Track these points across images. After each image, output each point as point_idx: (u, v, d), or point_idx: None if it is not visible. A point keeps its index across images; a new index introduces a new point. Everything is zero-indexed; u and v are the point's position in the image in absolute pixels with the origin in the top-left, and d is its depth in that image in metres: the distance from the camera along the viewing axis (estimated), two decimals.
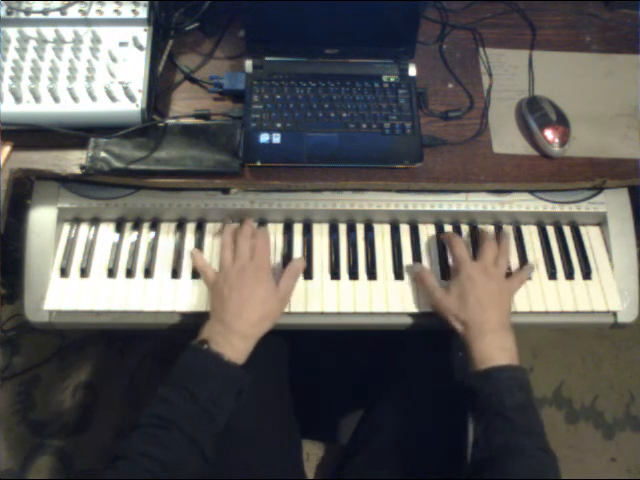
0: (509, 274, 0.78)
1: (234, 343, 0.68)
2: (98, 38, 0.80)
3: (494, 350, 0.69)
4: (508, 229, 0.84)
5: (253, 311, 0.70)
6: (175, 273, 0.79)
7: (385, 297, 0.78)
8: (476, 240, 0.83)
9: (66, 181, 0.79)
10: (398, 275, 0.80)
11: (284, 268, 0.77)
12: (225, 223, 0.81)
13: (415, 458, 0.80)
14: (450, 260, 0.79)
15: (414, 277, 0.79)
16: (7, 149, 0.76)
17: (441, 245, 0.82)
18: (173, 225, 0.82)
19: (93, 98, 0.76)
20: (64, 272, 0.78)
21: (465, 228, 0.84)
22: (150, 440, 0.61)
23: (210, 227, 0.82)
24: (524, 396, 0.66)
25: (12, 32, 0.79)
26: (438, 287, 0.75)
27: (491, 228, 0.84)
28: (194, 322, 0.77)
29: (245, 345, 0.69)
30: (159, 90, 0.83)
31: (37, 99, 0.75)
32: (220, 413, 0.64)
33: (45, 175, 0.77)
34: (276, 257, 0.81)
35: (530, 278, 0.80)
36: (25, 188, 0.79)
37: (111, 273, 0.78)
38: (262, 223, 0.83)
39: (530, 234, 0.84)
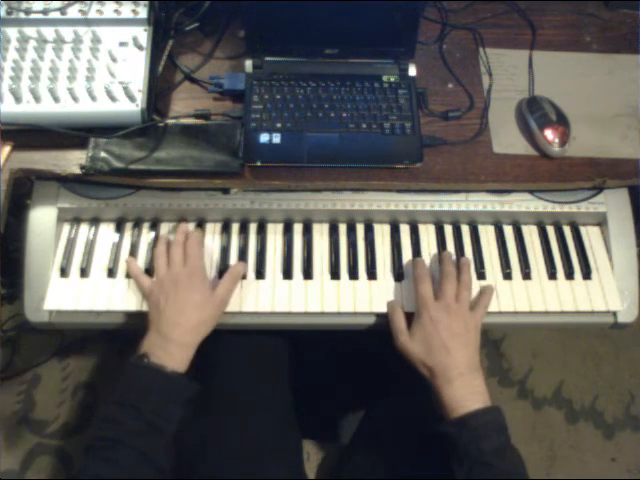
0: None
1: (173, 353, 0.67)
2: (98, 38, 0.80)
3: (465, 395, 0.67)
4: (508, 229, 0.84)
5: (190, 317, 0.70)
6: None
7: (385, 297, 0.78)
8: (477, 241, 0.83)
9: (66, 181, 0.79)
10: (398, 275, 0.80)
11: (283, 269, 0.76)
12: (160, 237, 0.80)
13: (415, 458, 0.80)
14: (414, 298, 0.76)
15: (388, 313, 0.77)
16: (7, 149, 0.76)
17: (441, 245, 0.82)
18: (173, 225, 0.82)
19: (93, 98, 0.76)
20: (64, 272, 0.78)
21: (465, 228, 0.84)
22: (100, 463, 0.61)
23: (210, 227, 0.82)
24: (502, 438, 0.65)
25: (12, 32, 0.79)
26: (404, 330, 0.73)
27: (491, 228, 0.84)
28: None
29: (184, 353, 0.69)
30: (159, 90, 0.83)
31: (37, 99, 0.75)
32: (167, 424, 0.64)
33: (45, 175, 0.77)
34: (276, 257, 0.81)
35: (530, 278, 0.80)
36: (25, 188, 0.79)
37: (111, 273, 0.78)
38: (262, 223, 0.83)
39: (530, 234, 0.84)
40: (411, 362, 0.72)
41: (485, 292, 0.76)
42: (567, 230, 0.84)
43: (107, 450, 0.61)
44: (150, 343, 0.69)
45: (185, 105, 0.83)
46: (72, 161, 0.76)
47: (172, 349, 0.68)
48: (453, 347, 0.69)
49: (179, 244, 0.76)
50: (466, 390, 0.67)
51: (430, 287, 0.74)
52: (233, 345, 0.85)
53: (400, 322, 0.74)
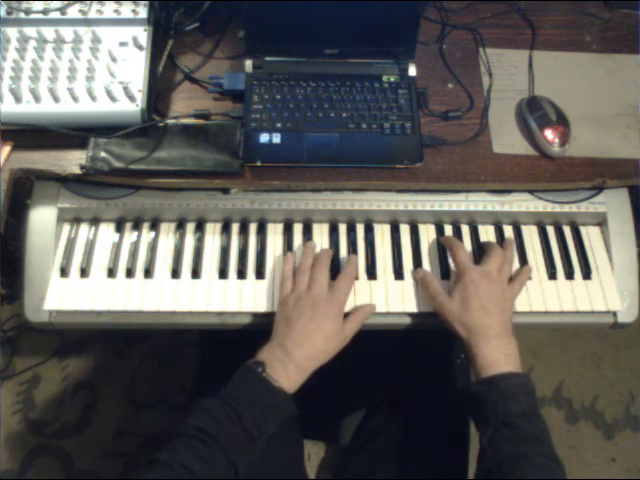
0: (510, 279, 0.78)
1: (290, 372, 0.67)
2: (98, 38, 0.80)
3: (499, 356, 0.68)
4: (508, 229, 0.84)
5: (316, 344, 0.69)
6: (175, 273, 0.79)
7: (385, 297, 0.78)
8: (477, 241, 0.83)
9: (66, 181, 0.79)
10: (398, 275, 0.80)
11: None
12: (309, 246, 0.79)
13: (416, 459, 0.80)
14: (452, 265, 0.78)
15: (418, 282, 0.78)
16: (7, 149, 0.76)
17: (441, 245, 0.82)
18: (173, 225, 0.82)
19: (93, 98, 0.76)
20: (64, 272, 0.78)
21: (465, 228, 0.84)
22: (191, 452, 0.60)
23: (210, 227, 0.82)
24: (530, 403, 0.65)
25: (12, 32, 0.79)
26: (442, 292, 0.75)
27: (491, 228, 0.84)
28: (194, 322, 0.78)
29: (299, 376, 0.68)
30: (159, 90, 0.83)
31: (37, 99, 0.75)
32: (261, 438, 0.64)
33: (45, 175, 0.77)
34: (276, 257, 0.80)
35: (530, 278, 0.80)
36: (25, 188, 0.79)
37: (111, 273, 0.78)
38: (262, 223, 0.83)
39: (530, 234, 0.84)
40: (447, 322, 0.73)
41: (523, 270, 0.79)
42: (567, 230, 0.84)
43: (200, 442, 0.60)
44: (271, 354, 0.68)
45: (185, 105, 0.83)
46: (72, 161, 0.76)
47: (290, 368, 0.67)
48: (491, 309, 0.71)
49: (327, 267, 0.75)
50: (501, 351, 0.69)
51: (467, 255, 0.76)
52: (234, 346, 0.85)
53: (435, 284, 0.76)
